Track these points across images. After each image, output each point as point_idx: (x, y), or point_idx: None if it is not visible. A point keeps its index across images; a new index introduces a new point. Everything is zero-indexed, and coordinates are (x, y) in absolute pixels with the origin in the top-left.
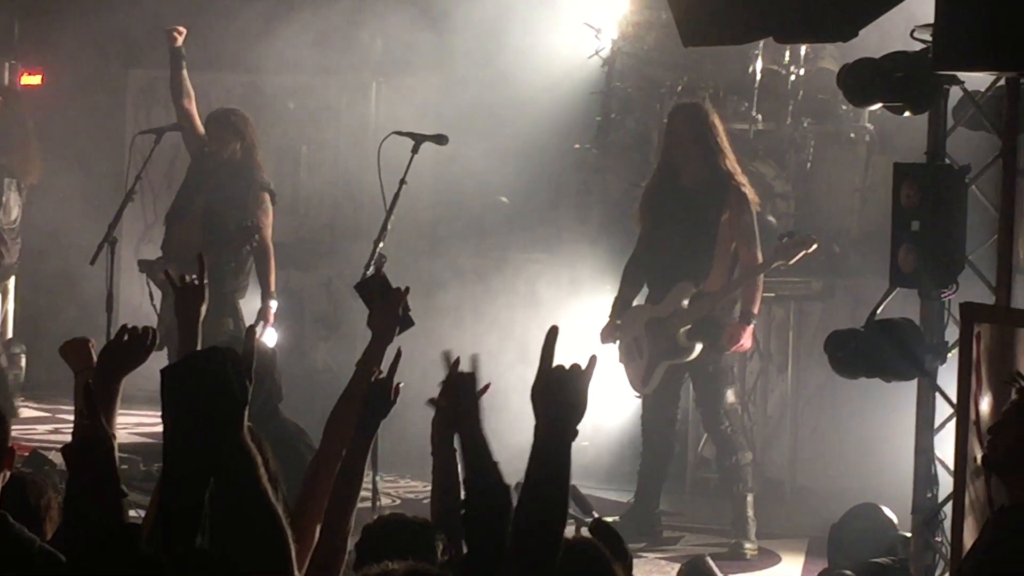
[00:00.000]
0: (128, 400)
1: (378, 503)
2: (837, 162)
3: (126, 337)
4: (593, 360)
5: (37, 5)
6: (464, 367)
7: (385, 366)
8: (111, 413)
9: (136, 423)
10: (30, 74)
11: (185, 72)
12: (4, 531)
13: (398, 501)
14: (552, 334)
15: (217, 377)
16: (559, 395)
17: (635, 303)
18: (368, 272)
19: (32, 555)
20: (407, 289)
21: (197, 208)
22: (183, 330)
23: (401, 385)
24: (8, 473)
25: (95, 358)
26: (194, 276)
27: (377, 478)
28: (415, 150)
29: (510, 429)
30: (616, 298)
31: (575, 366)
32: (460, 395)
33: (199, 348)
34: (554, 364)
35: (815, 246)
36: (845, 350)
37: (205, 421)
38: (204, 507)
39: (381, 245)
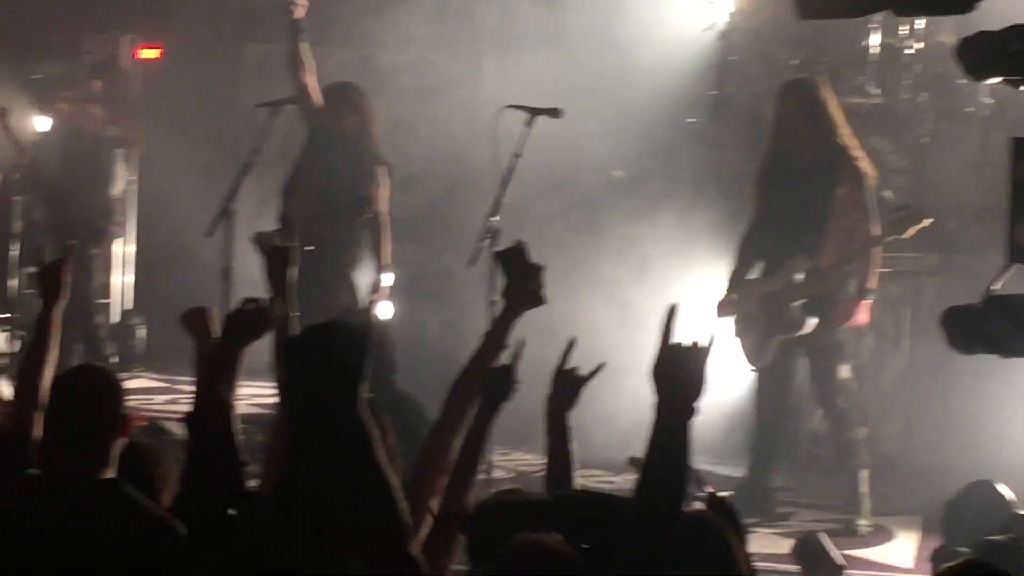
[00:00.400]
0: (246, 371)
1: (491, 476)
2: (954, 137)
3: (252, 307)
4: (712, 338)
5: None
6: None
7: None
8: (231, 384)
9: (254, 394)
10: (148, 48)
11: (305, 44)
12: (120, 496)
13: (512, 474)
14: (672, 312)
15: (336, 350)
16: (679, 374)
17: (750, 277)
18: (482, 245)
19: (148, 521)
20: (542, 267)
21: (313, 180)
22: (276, 296)
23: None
24: (125, 440)
25: (215, 328)
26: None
27: (491, 451)
28: (529, 123)
29: (624, 406)
30: (732, 273)
31: (695, 344)
32: (568, 383)
33: (292, 313)
34: (673, 342)
35: (929, 221)
36: (962, 325)
37: (323, 393)
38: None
39: (495, 219)
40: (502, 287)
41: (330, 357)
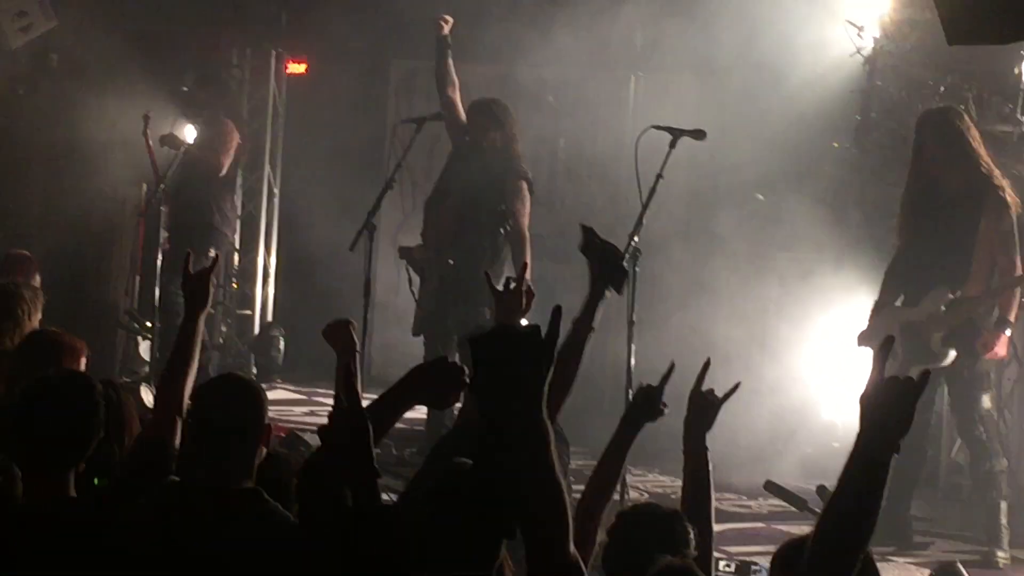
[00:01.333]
0: (386, 386)
1: (626, 496)
2: None
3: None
4: (926, 375)
5: None
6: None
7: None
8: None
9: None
10: (295, 63)
11: (451, 60)
12: (259, 505)
13: (646, 495)
14: (887, 343)
15: (527, 349)
16: (892, 406)
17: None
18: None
19: (287, 532)
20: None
21: (455, 194)
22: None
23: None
24: (265, 450)
25: (357, 341)
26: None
27: (626, 472)
28: (673, 144)
29: (758, 429)
30: (875, 303)
31: (909, 379)
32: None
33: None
34: (888, 375)
35: None
36: None
37: (512, 390)
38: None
39: (636, 239)
40: (590, 275)
41: (523, 353)
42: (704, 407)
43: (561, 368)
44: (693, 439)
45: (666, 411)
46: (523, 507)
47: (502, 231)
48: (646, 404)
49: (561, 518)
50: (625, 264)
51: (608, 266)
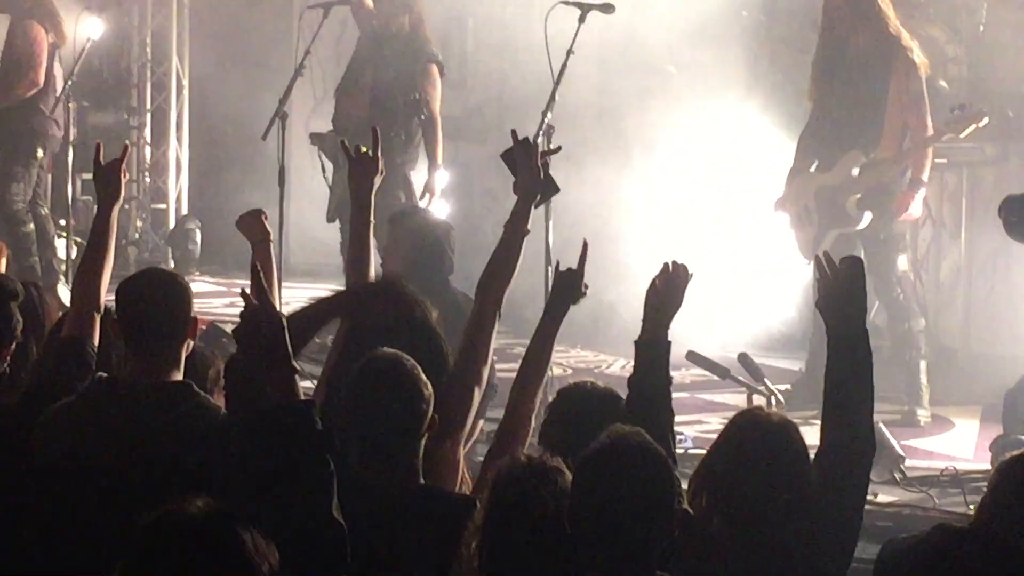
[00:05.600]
0: (304, 274)
1: (549, 374)
2: (1011, 24)
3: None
4: (858, 261)
5: None
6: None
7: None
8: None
9: (310, 297)
10: None
11: None
12: (191, 398)
13: (569, 371)
14: (824, 257)
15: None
16: (848, 299)
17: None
18: (538, 141)
19: (219, 424)
20: (549, 151)
21: (366, 82)
22: (356, 201)
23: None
24: (191, 343)
25: (271, 230)
26: (368, 148)
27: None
28: (582, 19)
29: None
30: (790, 169)
31: (848, 268)
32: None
33: (372, 219)
34: (832, 272)
35: (986, 120)
36: (1019, 214)
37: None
38: None
39: (549, 115)
40: (513, 183)
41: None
42: (669, 286)
43: (498, 269)
44: (655, 322)
45: (586, 291)
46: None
47: (416, 120)
48: (568, 287)
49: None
50: (539, 141)
51: (537, 179)
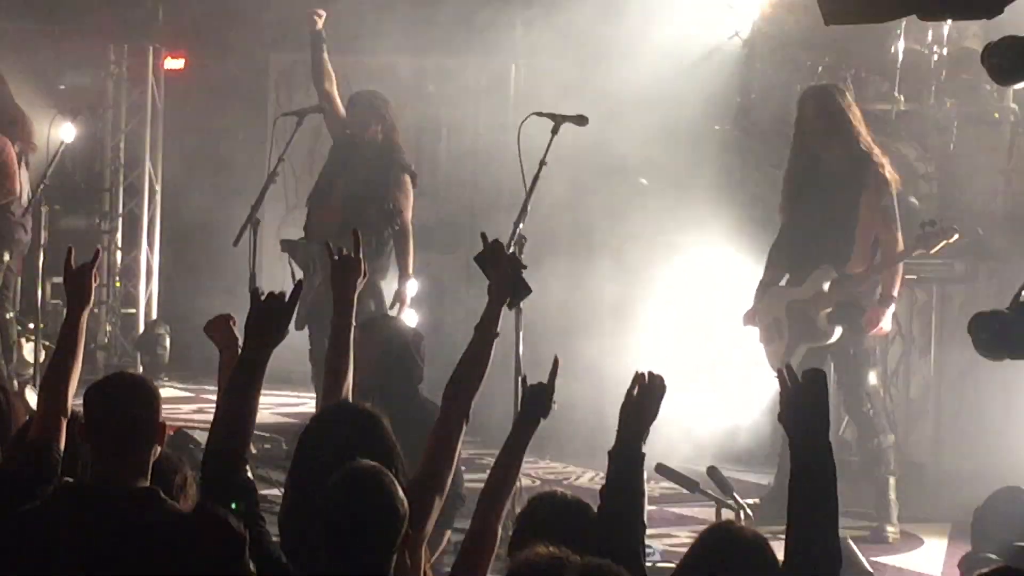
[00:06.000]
0: (274, 381)
1: (518, 484)
2: (981, 143)
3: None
4: (820, 373)
5: None
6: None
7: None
8: (257, 389)
9: (279, 403)
10: (173, 58)
11: (326, 55)
12: (158, 505)
13: (538, 482)
14: (786, 370)
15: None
16: (810, 414)
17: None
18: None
19: (185, 529)
20: (518, 260)
21: (338, 191)
22: (339, 303)
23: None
24: (159, 448)
25: (239, 336)
26: (351, 251)
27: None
28: (555, 130)
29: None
30: (760, 283)
31: (809, 381)
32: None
33: (353, 321)
34: (793, 386)
35: (956, 236)
36: (989, 331)
37: None
38: None
39: (521, 226)
40: (488, 286)
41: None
42: (644, 397)
43: (466, 372)
44: (630, 432)
45: (555, 406)
46: None
47: (388, 230)
48: (537, 402)
49: None
50: (510, 252)
51: (509, 281)
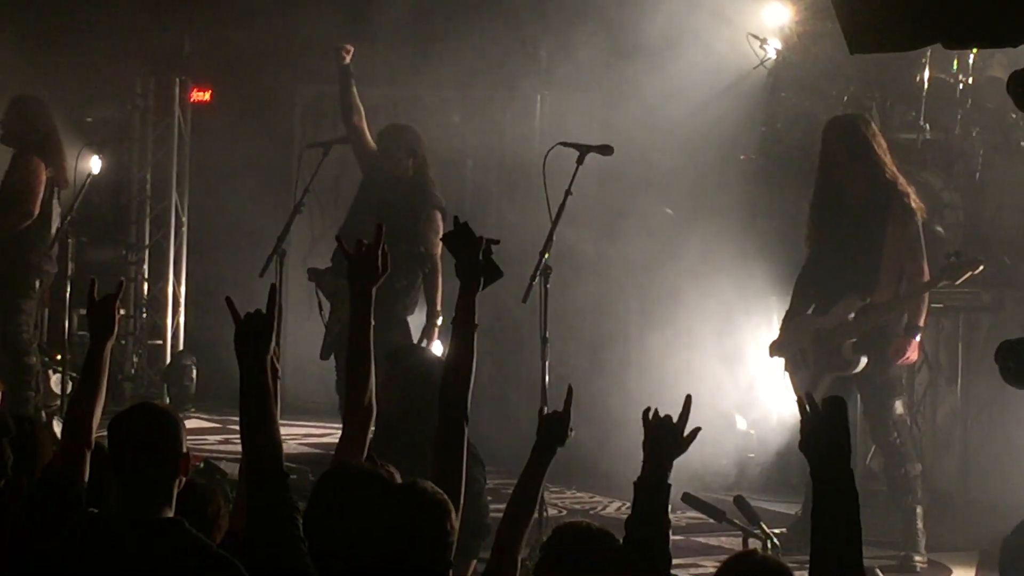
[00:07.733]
0: (299, 412)
1: (545, 514)
2: (1007, 172)
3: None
4: (839, 401)
5: (207, 22)
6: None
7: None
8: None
9: (305, 434)
10: (200, 90)
11: (354, 89)
12: (183, 536)
13: (564, 512)
14: (806, 398)
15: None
16: (830, 441)
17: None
18: (534, 282)
19: (211, 561)
20: (489, 240)
21: (368, 229)
22: (356, 297)
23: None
24: (183, 479)
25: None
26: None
27: (544, 489)
28: (580, 160)
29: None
30: (786, 313)
31: (828, 409)
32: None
33: (373, 320)
34: (813, 414)
35: (981, 267)
36: (1016, 360)
37: None
38: None
39: (547, 256)
40: (455, 266)
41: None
42: (663, 433)
43: (453, 375)
44: (656, 463)
45: (572, 434)
46: None
47: (419, 271)
48: (554, 431)
49: None
50: (535, 282)
51: (480, 264)
